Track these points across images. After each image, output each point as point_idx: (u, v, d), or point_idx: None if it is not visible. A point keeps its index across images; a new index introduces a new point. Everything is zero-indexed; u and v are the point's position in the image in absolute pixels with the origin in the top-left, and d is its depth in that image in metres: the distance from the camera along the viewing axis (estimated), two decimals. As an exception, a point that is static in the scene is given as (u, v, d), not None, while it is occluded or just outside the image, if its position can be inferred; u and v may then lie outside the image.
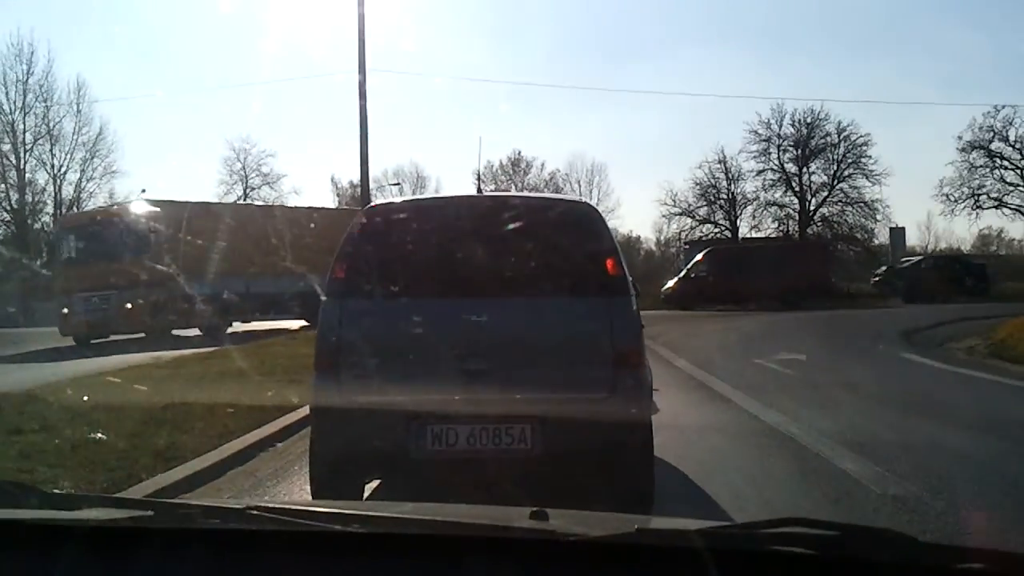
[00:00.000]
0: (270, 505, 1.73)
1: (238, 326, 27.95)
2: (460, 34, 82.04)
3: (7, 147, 49.25)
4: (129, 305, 25.25)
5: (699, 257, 40.01)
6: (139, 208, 27.41)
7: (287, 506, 1.77)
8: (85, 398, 9.77)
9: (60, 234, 30.37)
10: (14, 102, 48.80)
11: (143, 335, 24.68)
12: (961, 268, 41.10)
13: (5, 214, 50.94)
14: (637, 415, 5.05)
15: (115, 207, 33.53)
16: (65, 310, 26.42)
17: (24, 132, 49.64)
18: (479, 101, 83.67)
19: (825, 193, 52.62)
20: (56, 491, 2.09)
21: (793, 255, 39.36)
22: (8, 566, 1.56)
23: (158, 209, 26.75)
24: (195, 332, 25.78)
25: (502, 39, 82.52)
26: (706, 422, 9.07)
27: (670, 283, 39.62)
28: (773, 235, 52.90)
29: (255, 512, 1.66)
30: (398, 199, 7.42)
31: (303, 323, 27.93)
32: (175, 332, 25.42)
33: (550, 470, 4.92)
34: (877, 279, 42.41)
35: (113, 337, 25.27)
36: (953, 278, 39.09)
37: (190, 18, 72.29)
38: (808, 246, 44.43)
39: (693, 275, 38.45)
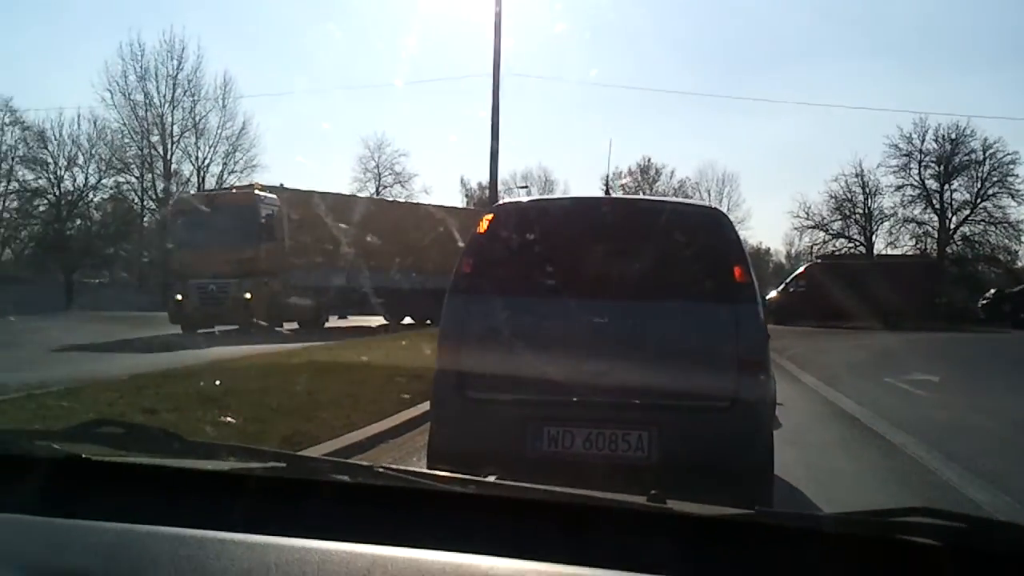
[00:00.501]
0: (398, 466, 1.78)
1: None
2: (594, 39, 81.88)
3: (156, 138, 51.63)
4: (248, 295, 24.54)
5: (800, 270, 38.82)
6: (260, 193, 26.66)
7: (415, 469, 1.81)
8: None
9: (176, 215, 28.73)
10: (164, 96, 51.11)
11: (244, 326, 23.82)
12: None
13: (152, 203, 53.34)
14: (759, 428, 4.94)
15: (235, 189, 32.91)
16: (179, 296, 25.42)
17: (172, 125, 51.97)
18: (610, 107, 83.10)
19: (967, 211, 50.66)
20: (197, 441, 2.18)
21: (898, 273, 37.33)
22: (148, 507, 1.63)
23: (275, 196, 26.46)
24: (293, 325, 25.83)
25: (636, 45, 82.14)
26: (830, 440, 8.83)
27: (770, 295, 38.40)
28: (909, 251, 51.10)
29: (383, 470, 1.72)
30: (526, 198, 7.45)
31: (382, 321, 28.07)
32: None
33: (666, 480, 4.86)
34: (985, 303, 40.22)
35: (217, 328, 24.61)
36: None
37: (329, 18, 74.07)
38: (914, 265, 42.11)
39: (792, 288, 36.94)
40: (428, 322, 25.27)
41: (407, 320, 28.77)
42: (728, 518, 1.51)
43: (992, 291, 40.80)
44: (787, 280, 38.91)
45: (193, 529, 1.52)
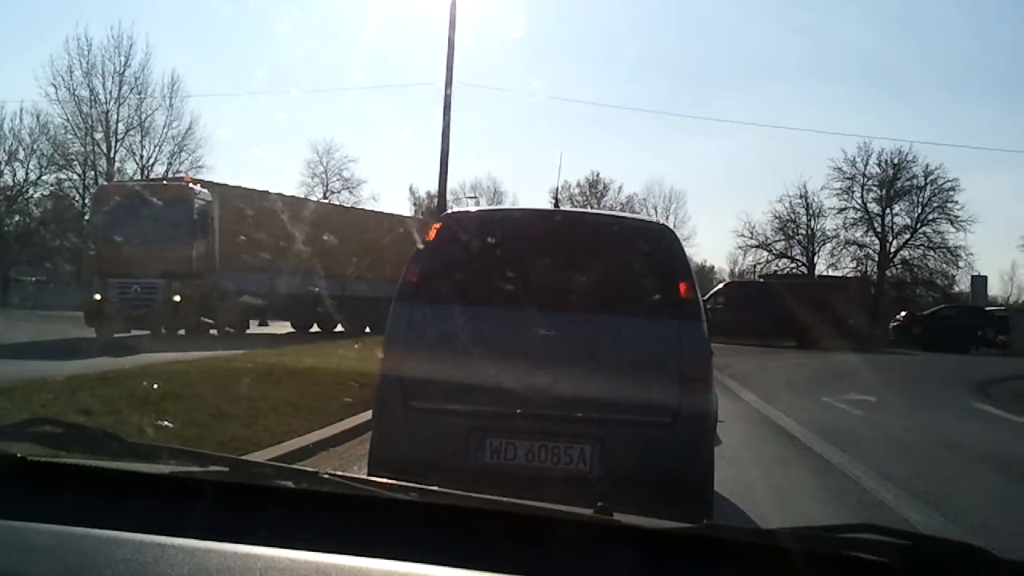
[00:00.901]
0: (343, 473, 1.76)
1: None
2: (547, 52, 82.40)
3: (100, 135, 50.75)
4: (178, 297, 22.23)
5: (718, 288, 39.37)
6: (194, 186, 24.36)
7: (361, 476, 1.79)
8: None
9: (99, 204, 25.50)
10: (110, 92, 50.27)
11: (169, 331, 22.37)
12: (982, 319, 39.99)
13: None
14: (701, 443, 4.97)
15: (167, 180, 30.99)
16: (97, 295, 22.50)
17: (117, 122, 51.11)
18: (561, 120, 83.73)
19: (907, 236, 51.65)
20: (137, 442, 2.14)
21: (813, 294, 38.08)
22: (85, 509, 1.60)
23: (207, 191, 24.33)
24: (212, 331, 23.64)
25: (587, 60, 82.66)
26: (769, 458, 8.92)
27: None
28: (850, 274, 51.95)
29: (328, 476, 1.70)
30: (474, 208, 7.43)
31: (290, 328, 27.67)
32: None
33: (607, 494, 4.85)
34: (895, 325, 41.07)
35: (135, 332, 22.26)
36: (973, 328, 38.10)
37: (279, 22, 73.59)
38: (828, 286, 42.95)
39: (710, 306, 37.26)
40: (367, 330, 24.83)
41: (339, 328, 28.19)
42: (676, 531, 1.50)
43: (903, 313, 41.58)
44: (704, 297, 39.19)
45: (132, 533, 1.49)
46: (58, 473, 1.75)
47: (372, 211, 33.70)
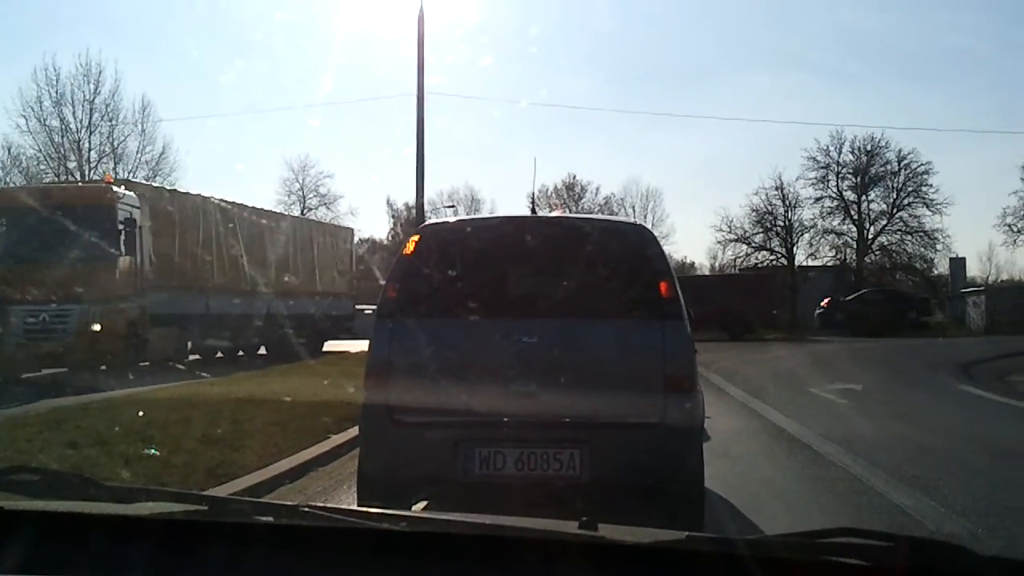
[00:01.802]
0: (323, 504, 1.74)
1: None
2: (517, 58, 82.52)
3: (72, 164, 50.21)
4: (98, 326, 17.78)
5: None
6: (117, 189, 19.63)
7: (340, 507, 1.77)
8: None
9: None
10: (80, 120, 49.80)
11: (89, 367, 17.47)
12: (904, 302, 40.49)
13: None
14: (688, 442, 4.98)
15: (83, 183, 27.50)
16: None
17: (89, 150, 50.71)
18: (535, 125, 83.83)
19: (884, 222, 51.91)
20: (115, 484, 2.12)
21: (737, 287, 38.64)
22: (68, 556, 1.59)
23: (134, 194, 19.71)
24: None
25: (560, 63, 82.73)
26: (758, 451, 8.95)
27: None
28: (829, 263, 52.28)
29: (307, 510, 1.68)
30: (451, 219, 7.45)
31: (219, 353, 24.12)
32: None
33: (599, 496, 4.86)
34: (820, 312, 41.38)
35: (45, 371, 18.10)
36: (896, 312, 38.37)
37: (252, 40, 73.43)
38: (751, 278, 43.37)
39: None
40: (324, 346, 24.80)
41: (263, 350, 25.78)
42: (660, 545, 1.50)
43: (827, 300, 41.80)
44: None
45: None
46: (39, 521, 1.73)
47: (320, 221, 32.75)
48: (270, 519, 1.70)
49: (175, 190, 24.88)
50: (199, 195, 23.81)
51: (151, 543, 1.61)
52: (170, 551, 1.59)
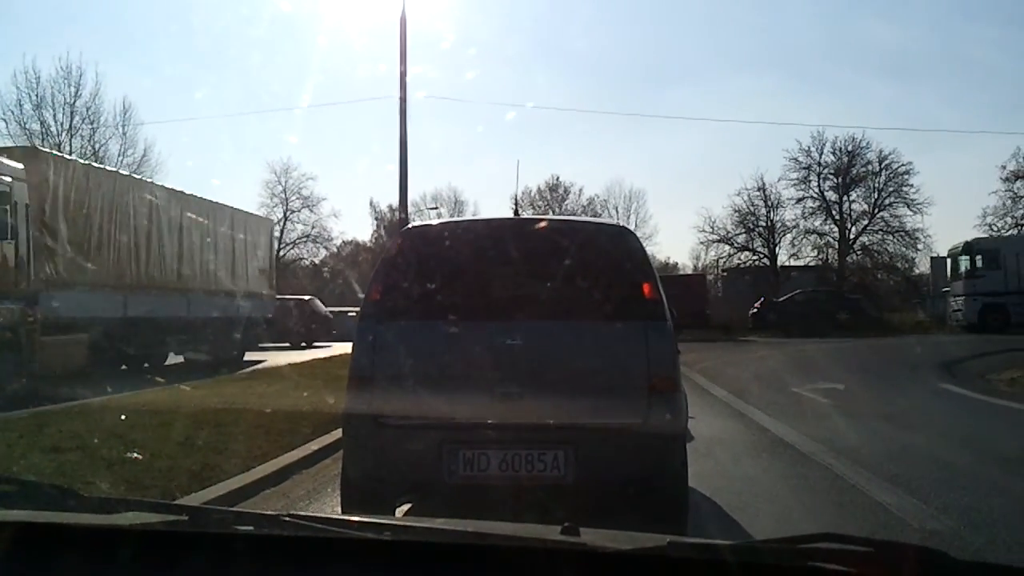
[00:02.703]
0: (305, 513, 1.73)
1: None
2: (500, 60, 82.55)
3: (54, 168, 50.03)
4: None
5: None
6: None
7: (322, 515, 1.76)
8: None
9: None
10: (61, 124, 49.68)
11: None
12: (837, 302, 40.71)
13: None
14: (672, 443, 5.00)
15: None
16: None
17: (70, 154, 50.47)
18: (518, 127, 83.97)
19: (865, 222, 52.17)
20: (94, 495, 2.10)
21: (672, 288, 38.65)
22: (46, 569, 1.58)
23: (19, 164, 15.10)
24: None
25: (542, 64, 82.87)
26: (742, 450, 8.98)
27: None
28: (812, 263, 52.63)
29: (289, 519, 1.67)
30: (435, 221, 7.45)
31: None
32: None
33: (583, 497, 4.87)
34: (754, 312, 41.64)
35: None
36: (828, 312, 38.59)
37: (233, 42, 73.16)
38: (683, 280, 43.59)
39: None
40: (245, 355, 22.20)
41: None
42: (641, 552, 1.51)
43: (761, 300, 42.05)
44: None
45: None
46: (17, 533, 1.71)
47: (240, 209, 26.62)
48: (251, 529, 1.69)
49: (83, 162, 20.27)
50: (114, 170, 21.96)
51: (130, 554, 1.60)
52: (150, 562, 1.58)
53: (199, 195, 23.24)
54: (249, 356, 24.10)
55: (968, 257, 37.07)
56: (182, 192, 22.53)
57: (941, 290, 43.83)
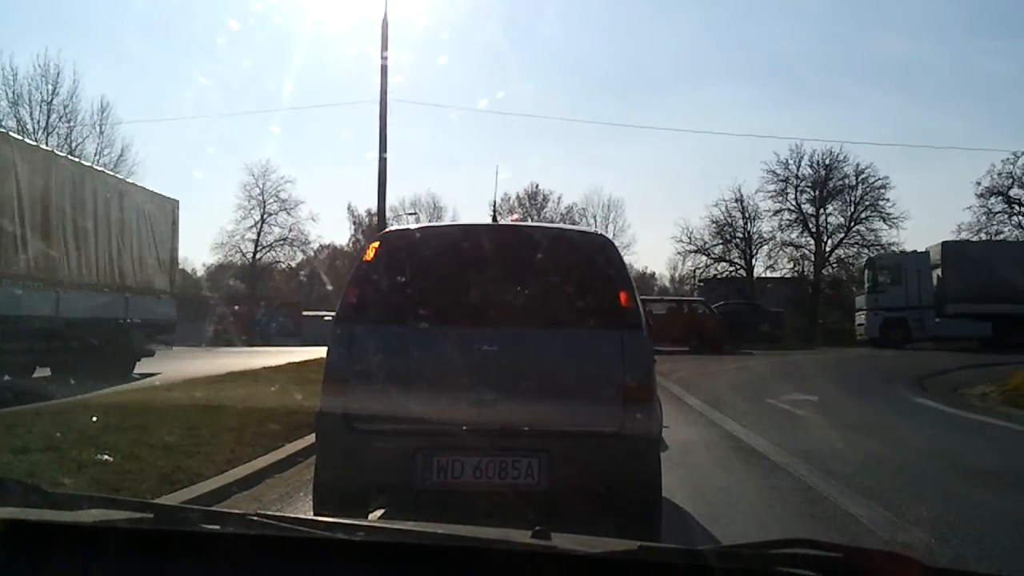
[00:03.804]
0: (271, 513, 1.71)
1: None
2: (481, 66, 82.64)
3: (28, 165, 49.57)
4: None
5: None
6: None
7: (289, 515, 1.73)
8: None
9: None
10: (37, 121, 49.12)
11: None
12: (757, 315, 41.04)
13: (25, 231, 51.24)
14: (646, 452, 5.00)
15: None
16: None
17: (46, 152, 50.09)
18: (497, 134, 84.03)
19: (842, 235, 52.62)
20: (57, 491, 2.07)
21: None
22: (7, 565, 1.56)
23: None
24: None
25: (521, 72, 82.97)
26: (715, 460, 9.00)
27: None
28: (788, 275, 52.98)
29: (256, 518, 1.65)
30: (413, 226, 7.44)
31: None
32: None
33: (557, 505, 4.86)
34: None
35: None
36: (749, 325, 38.90)
37: (213, 43, 72.81)
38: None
39: None
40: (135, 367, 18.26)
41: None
42: (612, 556, 1.50)
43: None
44: None
45: None
46: None
47: (135, 184, 22.24)
48: (217, 528, 1.67)
49: None
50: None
51: (92, 552, 1.58)
52: (112, 560, 1.56)
53: (73, 158, 18.87)
54: (152, 366, 20.08)
55: (871, 272, 37.66)
56: (50, 152, 18.35)
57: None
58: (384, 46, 20.57)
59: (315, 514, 5.25)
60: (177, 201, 23.42)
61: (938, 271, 35.84)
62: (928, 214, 75.75)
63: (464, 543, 1.57)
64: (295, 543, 1.60)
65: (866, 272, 38.78)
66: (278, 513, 1.75)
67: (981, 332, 34.13)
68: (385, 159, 20.85)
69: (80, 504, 1.83)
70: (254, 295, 54.22)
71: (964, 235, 48.75)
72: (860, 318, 37.91)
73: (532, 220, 58.55)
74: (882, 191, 51.45)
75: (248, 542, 1.62)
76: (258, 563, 1.56)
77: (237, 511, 1.68)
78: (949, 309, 34.53)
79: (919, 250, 39.69)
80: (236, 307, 46.54)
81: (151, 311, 20.71)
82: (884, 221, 51.29)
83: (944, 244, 37.82)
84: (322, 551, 1.58)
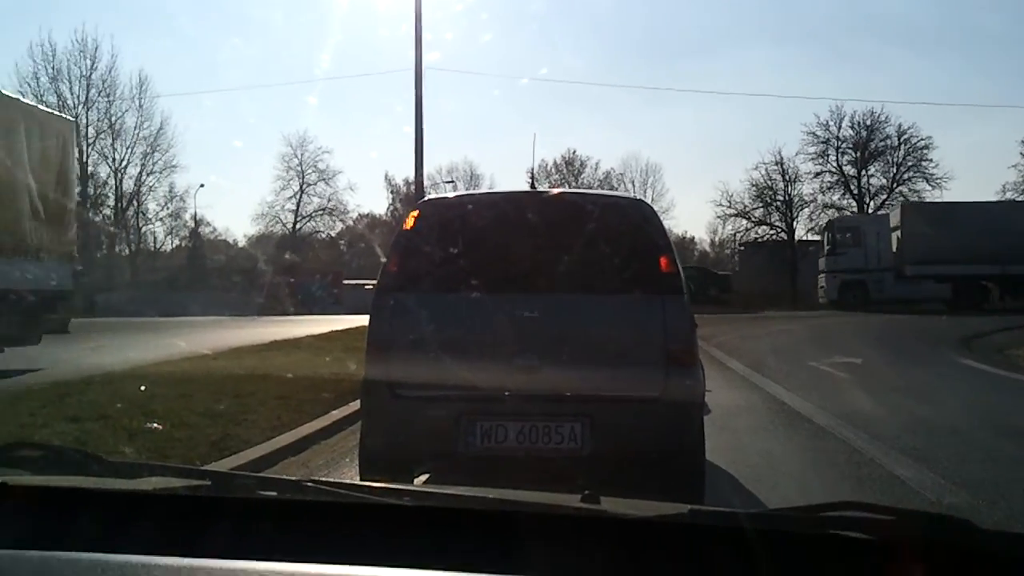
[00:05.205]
0: (325, 479, 1.74)
1: None
2: (516, 33, 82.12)
3: (70, 141, 50.15)
4: None
5: None
6: None
7: (342, 481, 1.77)
8: None
9: None
10: (77, 96, 49.85)
11: None
12: (706, 279, 40.59)
13: (67, 206, 51.96)
14: (689, 416, 5.00)
15: None
16: None
17: (87, 127, 50.71)
18: (534, 100, 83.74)
19: (884, 196, 51.95)
20: (117, 460, 2.12)
21: None
22: (70, 532, 1.59)
23: None
24: None
25: (559, 38, 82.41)
26: (759, 424, 8.97)
27: None
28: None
29: (310, 484, 1.68)
30: (451, 194, 7.44)
31: None
32: None
33: (600, 469, 4.88)
34: None
35: None
36: (699, 288, 38.74)
37: (250, 15, 73.04)
38: None
39: None
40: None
41: None
42: (661, 519, 1.51)
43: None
44: None
45: (115, 554, 1.47)
46: (40, 497, 1.73)
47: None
48: (273, 494, 1.70)
49: None
50: None
51: (154, 518, 1.62)
52: (173, 526, 1.60)
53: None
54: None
55: (830, 235, 37.17)
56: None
57: None
58: (418, 13, 20.47)
59: (361, 480, 5.33)
60: (73, 122, 18.47)
61: (898, 233, 35.28)
62: (972, 174, 74.37)
63: (515, 508, 1.58)
64: (347, 508, 1.62)
65: (825, 234, 38.26)
66: (330, 479, 1.78)
67: (941, 294, 33.77)
68: (421, 128, 20.81)
69: (139, 472, 1.86)
70: (295, 265, 54.65)
71: (1009, 195, 48.01)
72: (820, 280, 37.54)
73: (569, 187, 58.37)
74: (925, 151, 50.83)
75: (302, 507, 1.65)
76: (311, 527, 1.59)
77: (291, 477, 1.71)
78: (908, 271, 34.08)
79: (876, 213, 39.18)
80: (286, 278, 46.92)
81: (23, 279, 14.09)
82: (927, 182, 50.75)
83: (903, 205, 37.32)
84: (373, 515, 1.60)
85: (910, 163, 51.25)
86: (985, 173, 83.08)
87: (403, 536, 1.54)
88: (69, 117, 18.73)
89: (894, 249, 35.34)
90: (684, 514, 1.50)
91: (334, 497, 1.63)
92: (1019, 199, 47.43)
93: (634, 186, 61.12)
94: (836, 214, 52.74)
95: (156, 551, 1.47)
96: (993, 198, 47.31)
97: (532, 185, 8.02)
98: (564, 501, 1.61)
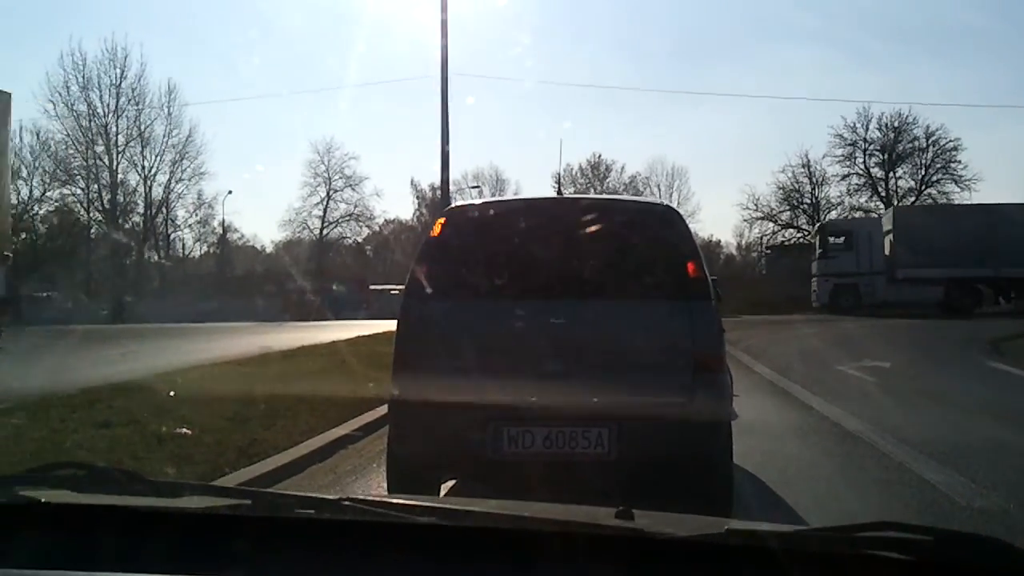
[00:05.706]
0: (364, 497, 1.76)
1: None
2: (541, 37, 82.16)
3: (100, 148, 50.91)
4: None
5: None
6: None
7: (381, 499, 1.79)
8: None
9: None
10: (108, 105, 50.34)
11: None
12: None
13: (97, 214, 52.60)
14: (717, 421, 4.99)
15: None
16: None
17: (117, 134, 51.27)
18: (560, 104, 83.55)
19: (912, 198, 51.54)
20: (160, 480, 2.16)
21: None
22: (112, 551, 1.61)
23: None
24: None
25: (583, 42, 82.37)
26: (786, 428, 8.93)
27: None
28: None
29: (348, 503, 1.69)
30: (478, 201, 7.47)
31: None
32: None
33: (627, 475, 4.89)
34: None
35: None
36: None
37: (276, 23, 73.52)
38: None
39: None
40: None
41: None
42: (699, 540, 1.53)
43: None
44: None
45: (158, 575, 1.50)
46: (85, 516, 1.74)
47: None
48: (312, 512, 1.72)
49: None
50: None
51: (194, 537, 1.64)
52: (213, 545, 1.62)
53: None
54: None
55: (822, 238, 36.78)
56: None
57: None
58: (444, 18, 20.54)
59: (389, 486, 5.37)
60: (8, 93, 15.94)
61: (891, 236, 34.90)
62: (1002, 175, 73.43)
63: (551, 527, 1.59)
64: (386, 528, 1.64)
65: (817, 238, 37.85)
66: (369, 497, 1.80)
67: (933, 297, 33.34)
68: (447, 134, 20.87)
69: (181, 491, 1.89)
70: (322, 271, 54.92)
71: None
72: (813, 284, 37.21)
73: (595, 191, 58.32)
74: (954, 153, 50.43)
75: (341, 527, 1.66)
76: (352, 547, 1.61)
77: (331, 496, 1.73)
78: (900, 274, 33.68)
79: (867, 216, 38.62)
80: (313, 284, 47.20)
81: None
82: (956, 184, 50.36)
83: (895, 209, 36.78)
84: (412, 535, 1.62)
85: (938, 165, 50.93)
86: (1014, 174, 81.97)
87: (441, 556, 1.56)
88: (8, 91, 15.23)
89: (887, 252, 35.02)
90: (722, 533, 1.51)
91: (373, 516, 1.64)
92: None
93: (660, 190, 60.98)
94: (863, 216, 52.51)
95: (200, 571, 1.49)
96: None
97: (559, 191, 7.99)
98: (598, 517, 1.62)
